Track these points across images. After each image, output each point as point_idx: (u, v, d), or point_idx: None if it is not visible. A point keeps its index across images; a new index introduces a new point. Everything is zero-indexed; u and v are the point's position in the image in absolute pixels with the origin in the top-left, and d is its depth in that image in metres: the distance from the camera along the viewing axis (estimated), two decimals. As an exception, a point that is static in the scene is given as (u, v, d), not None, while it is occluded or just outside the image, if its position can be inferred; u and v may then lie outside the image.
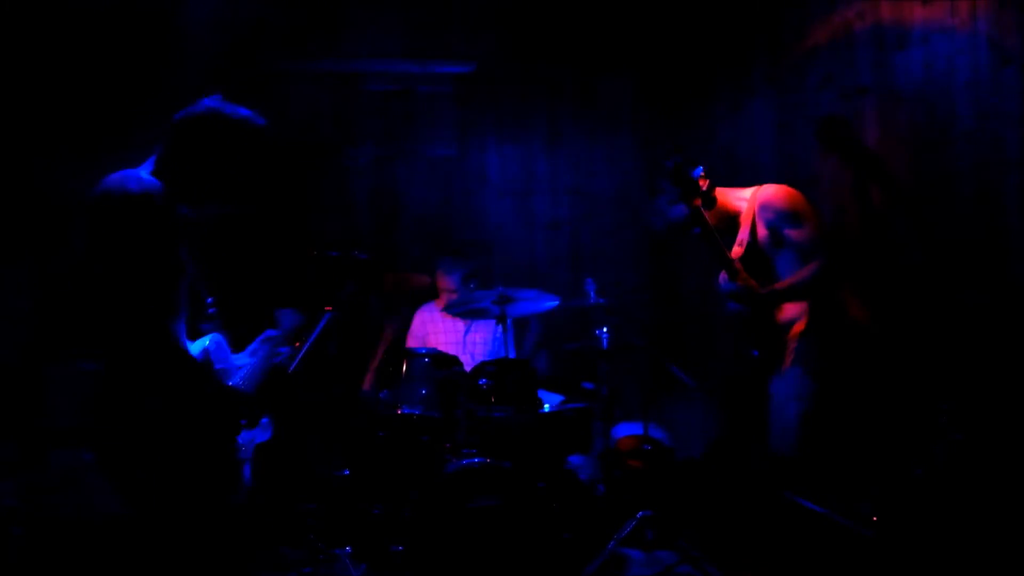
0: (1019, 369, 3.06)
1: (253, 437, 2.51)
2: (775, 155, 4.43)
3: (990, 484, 2.86)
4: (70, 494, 3.54)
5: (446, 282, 4.51)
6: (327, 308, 3.82)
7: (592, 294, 4.07)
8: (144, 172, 2.24)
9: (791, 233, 3.07)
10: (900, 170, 3.60)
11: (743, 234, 3.19)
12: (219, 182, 2.31)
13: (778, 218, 3.09)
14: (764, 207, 3.12)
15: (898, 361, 3.44)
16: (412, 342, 4.66)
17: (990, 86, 3.25)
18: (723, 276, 3.13)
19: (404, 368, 3.77)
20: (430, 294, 4.74)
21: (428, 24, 5.32)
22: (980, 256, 3.27)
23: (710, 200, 3.12)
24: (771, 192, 3.14)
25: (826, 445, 3.18)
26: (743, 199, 3.27)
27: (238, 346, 2.55)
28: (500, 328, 3.96)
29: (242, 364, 2.49)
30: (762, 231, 3.11)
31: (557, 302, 4.04)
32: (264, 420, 2.58)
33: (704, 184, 3.13)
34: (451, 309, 4.19)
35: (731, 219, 3.25)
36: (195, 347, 2.34)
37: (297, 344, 2.99)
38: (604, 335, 4.00)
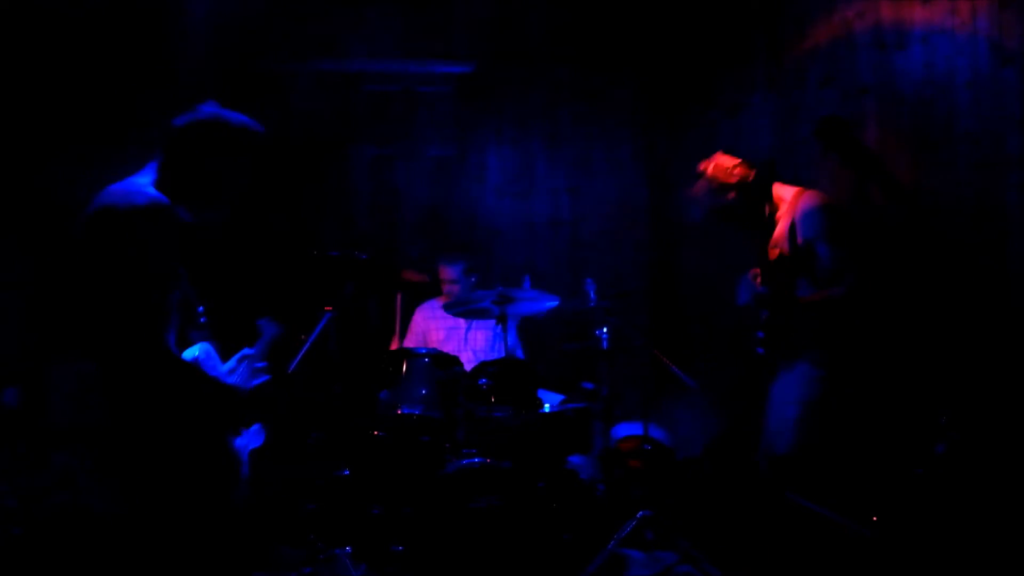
0: (1019, 369, 3.06)
1: (247, 443, 2.51)
2: (775, 155, 4.43)
3: (990, 484, 2.86)
4: (70, 494, 3.54)
5: (447, 273, 4.51)
6: (327, 308, 3.82)
7: (592, 294, 4.07)
8: (144, 180, 2.25)
9: (823, 250, 3.04)
10: (900, 170, 3.60)
11: (779, 234, 3.16)
12: (221, 188, 2.34)
13: (815, 234, 3.05)
14: (804, 218, 3.07)
15: (900, 361, 3.43)
16: (412, 340, 4.66)
17: (990, 86, 3.25)
18: (753, 274, 3.11)
19: (404, 368, 3.77)
20: (430, 294, 4.74)
21: (428, 24, 5.32)
22: (980, 256, 3.27)
23: (766, 194, 3.12)
24: (812, 205, 3.08)
25: (827, 445, 3.18)
26: (784, 199, 3.22)
27: (228, 355, 2.54)
28: (500, 328, 3.96)
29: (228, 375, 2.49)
30: (799, 240, 3.08)
31: (557, 302, 4.04)
32: (256, 427, 2.57)
33: (749, 175, 3.11)
34: (451, 309, 4.19)
35: (771, 209, 3.20)
36: (185, 356, 2.34)
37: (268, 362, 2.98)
38: (604, 335, 4.00)
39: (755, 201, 3.16)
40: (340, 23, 5.23)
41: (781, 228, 3.15)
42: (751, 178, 3.14)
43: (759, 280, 3.14)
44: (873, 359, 3.24)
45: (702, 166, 3.28)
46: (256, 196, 4.56)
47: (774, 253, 3.14)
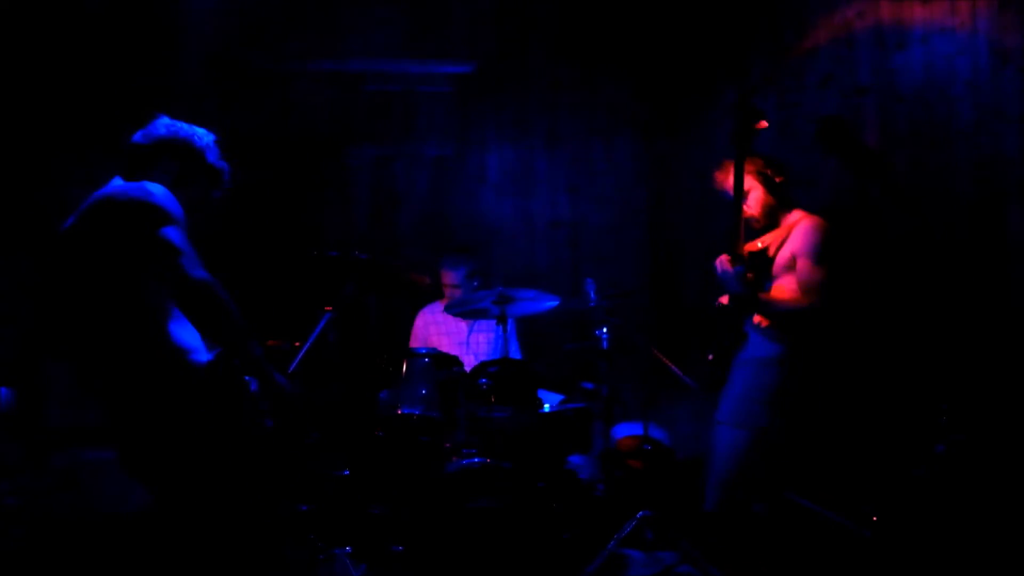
0: (1019, 368, 3.07)
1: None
2: (775, 155, 4.42)
3: (990, 484, 2.86)
4: (70, 494, 3.54)
5: (450, 278, 4.50)
6: (327, 308, 3.81)
7: (592, 294, 4.06)
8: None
9: (801, 264, 3.05)
10: (900, 170, 3.60)
11: (769, 239, 3.17)
12: (187, 198, 2.37)
13: (802, 248, 3.07)
14: (800, 232, 3.11)
15: (899, 362, 3.44)
16: (415, 343, 4.65)
17: (990, 86, 3.26)
18: (724, 258, 3.11)
19: (404, 368, 3.76)
20: (431, 296, 4.73)
21: (428, 24, 5.32)
22: (979, 255, 3.28)
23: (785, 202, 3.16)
24: (810, 224, 3.12)
25: (828, 446, 3.18)
26: (790, 218, 3.23)
27: None
28: (501, 329, 3.95)
29: None
30: (786, 252, 3.10)
31: (557, 302, 4.04)
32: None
33: (775, 175, 3.16)
34: (452, 309, 4.19)
35: (773, 221, 3.23)
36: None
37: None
38: (604, 335, 4.00)
39: (774, 202, 3.20)
40: (340, 23, 5.23)
41: (774, 236, 3.17)
42: (779, 180, 3.21)
43: (726, 261, 3.13)
44: (838, 375, 3.24)
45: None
46: (256, 196, 4.57)
47: (754, 247, 3.16)
